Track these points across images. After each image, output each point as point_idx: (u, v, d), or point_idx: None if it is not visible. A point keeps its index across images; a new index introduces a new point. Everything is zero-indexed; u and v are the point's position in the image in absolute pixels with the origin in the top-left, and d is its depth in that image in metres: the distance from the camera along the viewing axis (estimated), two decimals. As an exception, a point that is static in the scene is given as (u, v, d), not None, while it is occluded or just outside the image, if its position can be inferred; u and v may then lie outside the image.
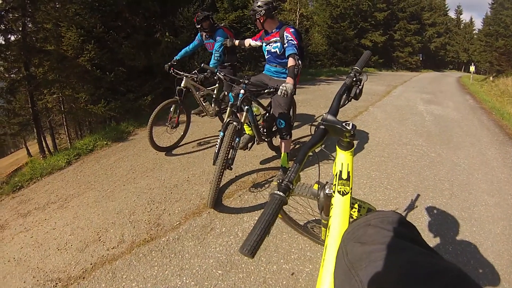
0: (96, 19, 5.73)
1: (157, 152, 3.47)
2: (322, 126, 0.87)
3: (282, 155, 2.78)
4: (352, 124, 0.86)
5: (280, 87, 2.21)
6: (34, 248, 2.10)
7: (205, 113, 3.76)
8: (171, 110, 3.35)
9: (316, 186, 1.03)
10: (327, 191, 0.97)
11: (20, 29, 6.55)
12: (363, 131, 4.32)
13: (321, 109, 5.70)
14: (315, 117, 5.00)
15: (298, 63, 2.42)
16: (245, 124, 2.70)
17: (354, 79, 1.06)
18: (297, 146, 3.65)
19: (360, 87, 1.05)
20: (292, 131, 4.07)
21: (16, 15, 6.40)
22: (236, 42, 3.20)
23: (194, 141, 3.87)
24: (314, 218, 1.72)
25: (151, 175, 3.00)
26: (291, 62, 2.41)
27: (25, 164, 11.58)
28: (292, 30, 2.52)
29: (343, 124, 0.85)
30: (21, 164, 13.64)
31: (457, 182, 2.90)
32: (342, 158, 0.92)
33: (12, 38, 6.53)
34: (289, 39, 2.47)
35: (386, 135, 4.24)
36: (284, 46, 2.52)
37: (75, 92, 6.28)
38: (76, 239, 2.12)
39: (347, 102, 1.03)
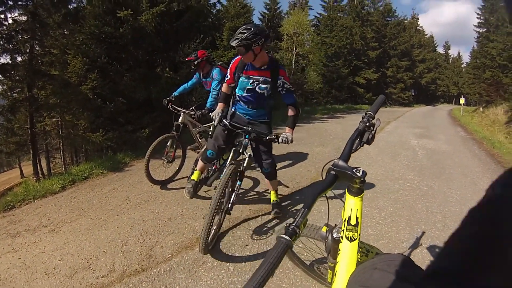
0: (101, 50, 5.97)
1: (152, 185, 3.48)
2: (332, 172, 0.86)
3: (272, 192, 2.82)
4: (363, 170, 0.86)
5: (282, 135, 2.20)
6: (21, 270, 2.06)
7: (201, 149, 3.76)
8: (168, 144, 3.43)
9: (324, 229, 1.02)
10: (335, 235, 0.94)
11: (28, 51, 6.78)
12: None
13: (315, 147, 5.75)
14: (307, 155, 5.02)
15: (299, 112, 2.37)
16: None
17: (367, 124, 1.05)
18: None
19: (373, 132, 1.04)
20: (287, 169, 4.15)
21: (25, 37, 6.65)
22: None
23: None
24: (321, 257, 1.64)
25: (145, 207, 3.00)
26: (292, 111, 2.33)
27: (17, 184, 11.41)
28: (287, 73, 2.34)
29: (354, 170, 0.85)
30: (12, 184, 13.42)
31: (449, 213, 2.92)
32: (351, 204, 0.92)
33: (19, 58, 6.74)
34: (287, 86, 2.28)
35: (379, 170, 4.31)
36: (280, 92, 2.32)
37: (75, 118, 6.38)
38: (65, 265, 2.09)
39: (359, 147, 1.01)
